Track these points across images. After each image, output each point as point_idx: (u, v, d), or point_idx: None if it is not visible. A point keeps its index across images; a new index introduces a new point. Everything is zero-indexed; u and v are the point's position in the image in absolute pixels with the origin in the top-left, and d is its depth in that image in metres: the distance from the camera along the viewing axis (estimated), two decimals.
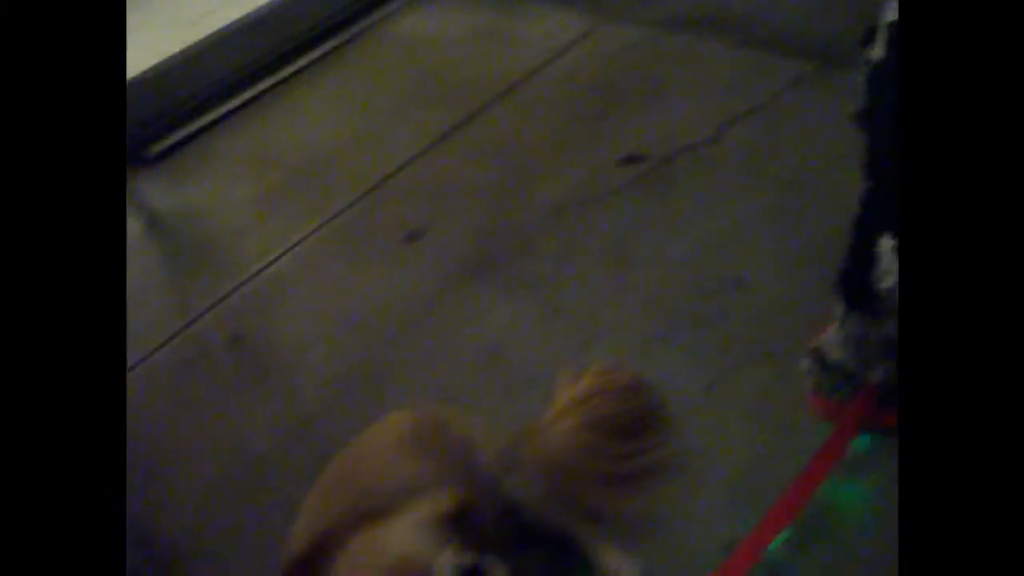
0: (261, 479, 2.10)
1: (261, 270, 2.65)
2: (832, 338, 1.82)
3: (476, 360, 2.18)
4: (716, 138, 2.71)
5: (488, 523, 1.21)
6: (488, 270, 2.42)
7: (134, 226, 2.97)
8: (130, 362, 2.50)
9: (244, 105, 3.53)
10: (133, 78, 3.37)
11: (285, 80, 3.61)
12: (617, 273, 2.29)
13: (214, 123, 3.50)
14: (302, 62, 3.69)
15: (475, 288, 2.38)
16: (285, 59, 3.69)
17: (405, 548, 1.12)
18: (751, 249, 2.23)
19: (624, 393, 1.89)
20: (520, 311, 2.27)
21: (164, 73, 3.53)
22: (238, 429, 2.23)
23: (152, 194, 3.21)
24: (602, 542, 1.71)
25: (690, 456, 1.84)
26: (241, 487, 2.10)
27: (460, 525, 1.17)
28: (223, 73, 3.57)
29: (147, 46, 3.62)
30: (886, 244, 1.61)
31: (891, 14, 1.47)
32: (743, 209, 2.35)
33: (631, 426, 1.86)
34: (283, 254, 2.68)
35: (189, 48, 3.61)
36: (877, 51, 1.48)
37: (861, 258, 1.70)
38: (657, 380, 1.96)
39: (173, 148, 3.46)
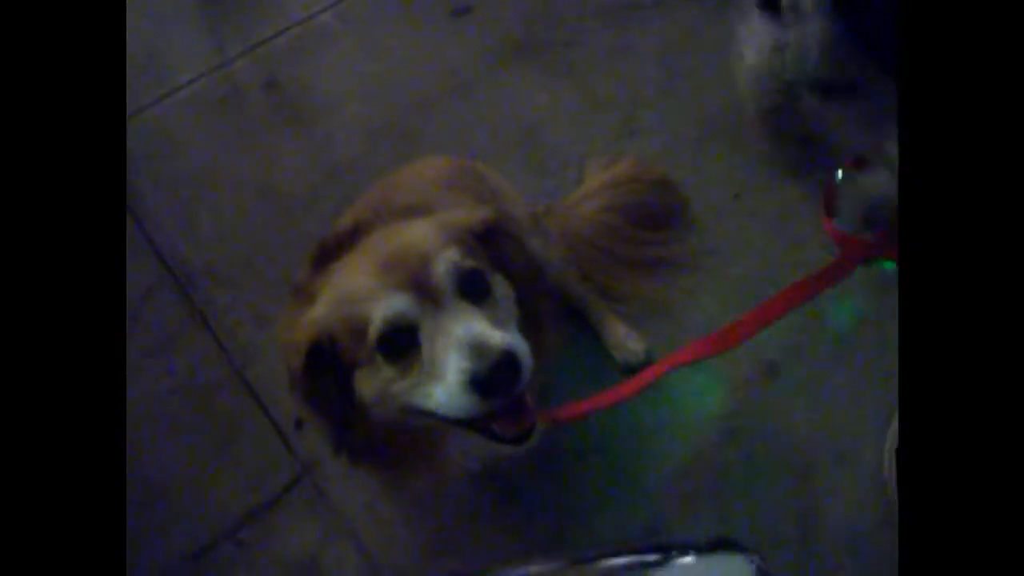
0: (285, 217, 2.15)
1: (303, 20, 2.61)
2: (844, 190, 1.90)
3: (511, 136, 2.20)
4: None
5: (509, 258, 1.22)
6: (533, 54, 2.40)
7: None
8: (159, 93, 2.49)
9: None
10: None
11: None
12: (662, 77, 2.28)
13: None
14: None
15: (518, 69, 2.36)
16: None
17: (416, 237, 1.12)
18: None
19: (653, 185, 1.93)
20: (561, 97, 2.27)
21: None
22: (266, 168, 2.26)
23: None
24: (612, 316, 1.79)
25: (706, 255, 1.91)
26: (264, 223, 2.15)
27: (482, 242, 1.18)
28: None
29: None
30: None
31: None
32: None
33: (655, 217, 1.91)
34: (327, 8, 2.62)
35: None
36: None
37: None
38: (687, 180, 2.00)
39: None
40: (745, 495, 1.62)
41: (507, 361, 1.01)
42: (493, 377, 1.00)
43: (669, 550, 0.93)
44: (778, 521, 1.59)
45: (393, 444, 1.22)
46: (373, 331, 1.05)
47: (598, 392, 1.44)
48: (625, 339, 1.75)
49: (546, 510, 1.63)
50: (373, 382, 1.09)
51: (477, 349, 1.01)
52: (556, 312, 1.75)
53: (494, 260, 1.18)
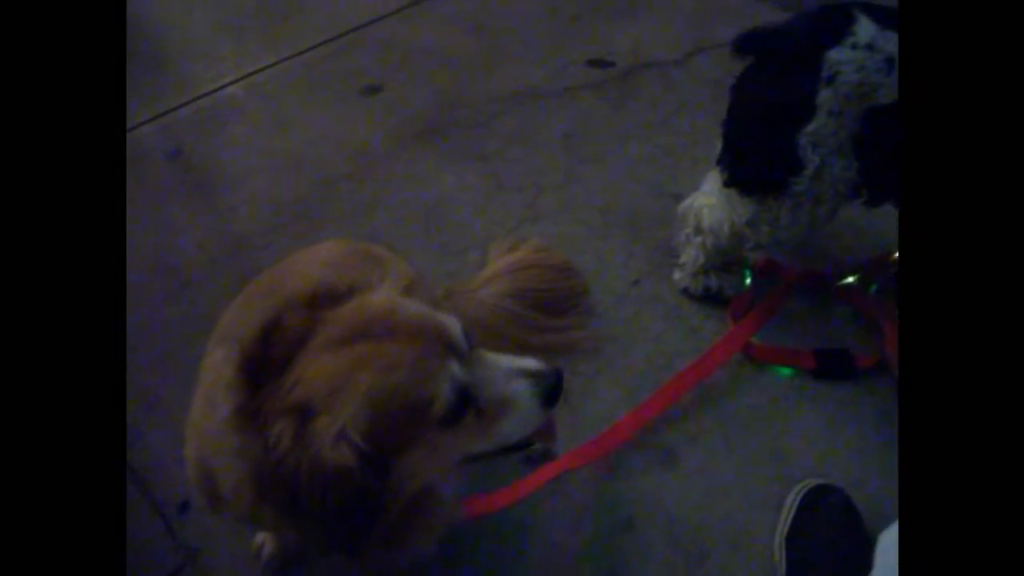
0: (180, 291, 2.10)
1: (212, 92, 2.60)
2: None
3: (415, 218, 2.21)
4: (683, 62, 2.76)
5: None
6: (439, 136, 2.43)
7: None
8: None
9: None
10: None
11: None
12: (566, 164, 2.34)
13: None
14: None
15: (424, 151, 2.39)
16: None
17: (413, 310, 1.13)
18: (694, 168, 2.31)
19: (554, 271, 1.96)
20: (465, 180, 2.30)
21: None
22: (165, 239, 2.21)
23: None
24: None
25: (605, 342, 1.93)
26: (158, 296, 2.10)
27: None
28: None
29: None
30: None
31: None
32: (694, 129, 2.41)
33: (555, 303, 1.93)
34: (236, 80, 2.62)
35: None
36: None
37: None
38: (587, 267, 2.04)
39: None
40: None
41: (559, 372, 1.16)
42: (556, 388, 1.15)
43: None
44: None
45: (402, 516, 1.17)
46: (441, 405, 1.06)
47: (499, 490, 1.51)
48: None
49: None
50: (436, 454, 1.10)
51: (529, 374, 1.14)
52: None
53: None
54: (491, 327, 1.83)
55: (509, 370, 1.14)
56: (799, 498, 1.64)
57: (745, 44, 1.68)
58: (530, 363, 1.15)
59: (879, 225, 1.99)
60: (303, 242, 1.68)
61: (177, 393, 1.87)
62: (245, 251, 2.15)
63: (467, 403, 1.10)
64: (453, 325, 1.13)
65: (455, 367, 1.08)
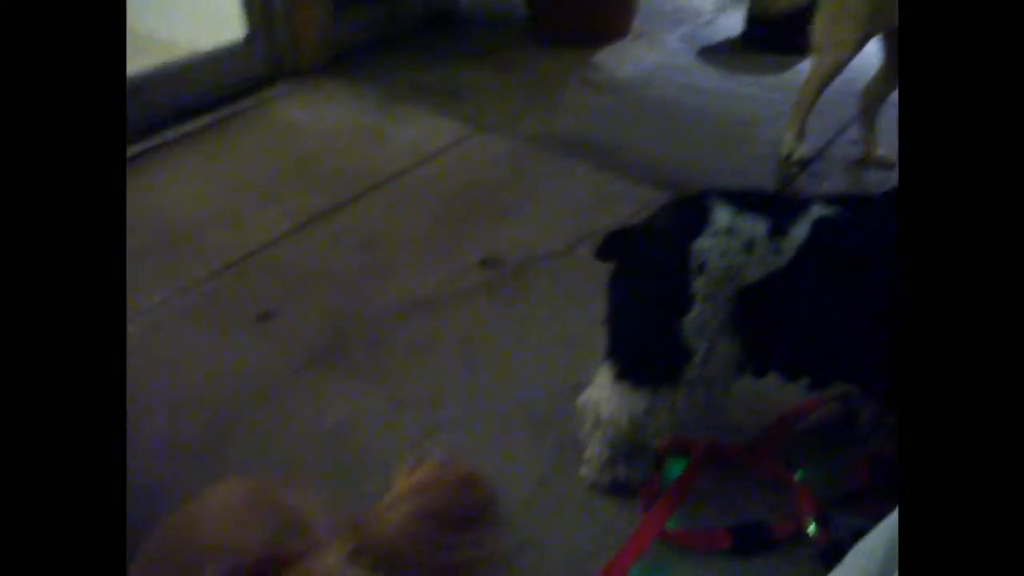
0: None
1: None
2: None
3: (318, 443, 2.18)
4: (568, 252, 2.88)
5: None
6: (337, 356, 2.45)
7: None
8: None
9: None
10: None
11: (152, 149, 3.57)
12: (464, 371, 2.37)
13: None
14: (172, 134, 3.65)
15: (323, 373, 2.40)
16: (153, 128, 3.64)
17: None
18: (592, 356, 2.36)
19: (458, 486, 1.93)
20: (366, 399, 2.30)
21: None
22: None
23: None
24: None
25: (520, 548, 1.90)
26: None
27: None
28: None
29: None
30: None
31: None
32: (587, 318, 2.48)
33: (463, 518, 1.89)
34: (130, 320, 2.61)
35: None
36: None
37: None
38: (494, 474, 2.03)
39: None
40: None
41: None
42: None
43: None
44: None
45: None
46: None
47: None
48: None
49: None
50: None
51: None
52: None
53: None
54: (399, 553, 1.78)
55: None
56: None
57: (607, 251, 1.78)
58: None
59: (771, 390, 2.05)
60: (203, 483, 1.63)
61: None
62: (141, 502, 2.06)
63: None
64: None
65: None
